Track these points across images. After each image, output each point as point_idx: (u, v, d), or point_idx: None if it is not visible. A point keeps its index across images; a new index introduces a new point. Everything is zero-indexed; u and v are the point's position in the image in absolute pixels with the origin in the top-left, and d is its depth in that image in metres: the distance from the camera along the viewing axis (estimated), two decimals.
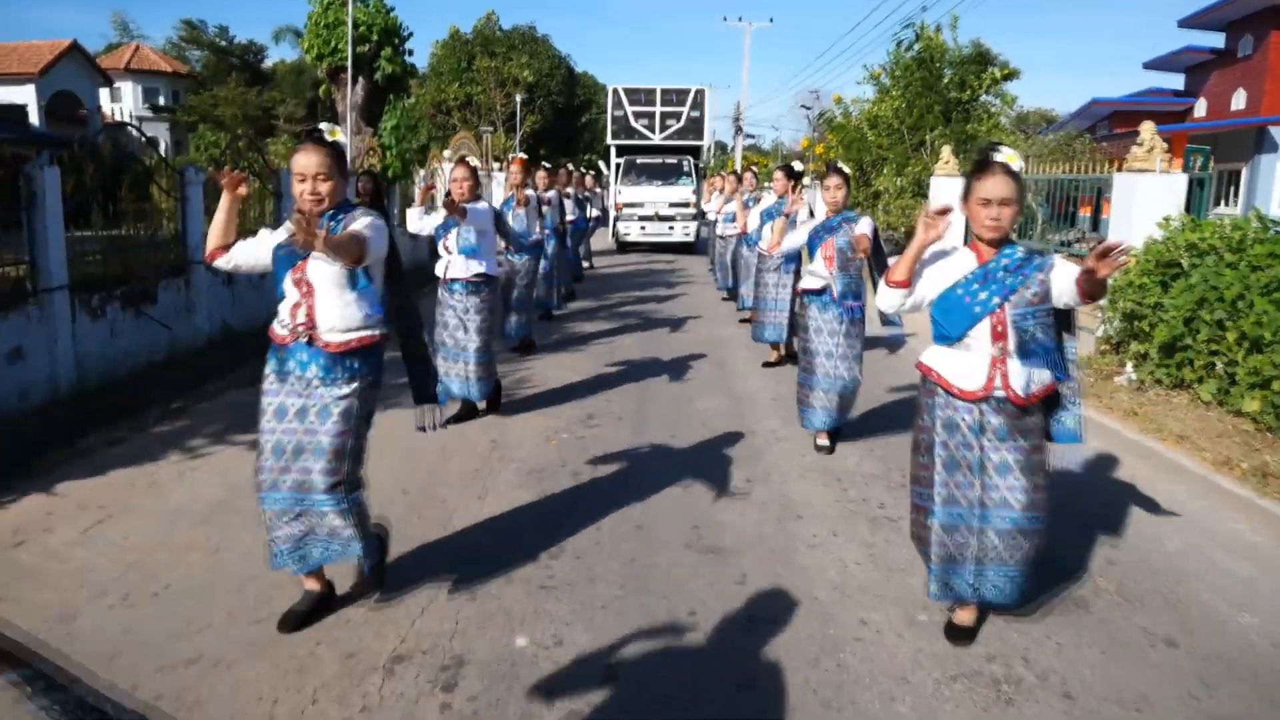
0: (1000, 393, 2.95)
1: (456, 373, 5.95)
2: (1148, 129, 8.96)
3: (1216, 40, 29.77)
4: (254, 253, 3.28)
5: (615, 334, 9.70)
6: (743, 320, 10.56)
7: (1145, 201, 8.71)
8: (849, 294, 5.43)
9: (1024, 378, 2.96)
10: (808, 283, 5.59)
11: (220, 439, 5.66)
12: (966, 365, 2.99)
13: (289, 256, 3.16)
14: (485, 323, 5.96)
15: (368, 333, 3.19)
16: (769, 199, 7.97)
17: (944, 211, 2.91)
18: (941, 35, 17.65)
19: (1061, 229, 14.59)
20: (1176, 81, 32.84)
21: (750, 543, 4.12)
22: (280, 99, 41.31)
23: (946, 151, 14.70)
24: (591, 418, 6.26)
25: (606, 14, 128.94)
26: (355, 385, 3.15)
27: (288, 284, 3.17)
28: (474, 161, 6.01)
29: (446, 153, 22.47)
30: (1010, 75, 18.02)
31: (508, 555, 3.93)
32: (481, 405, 6.29)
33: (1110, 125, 32.87)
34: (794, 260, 7.23)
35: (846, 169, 5.59)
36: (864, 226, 5.23)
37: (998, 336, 2.94)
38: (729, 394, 7.06)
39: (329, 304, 3.12)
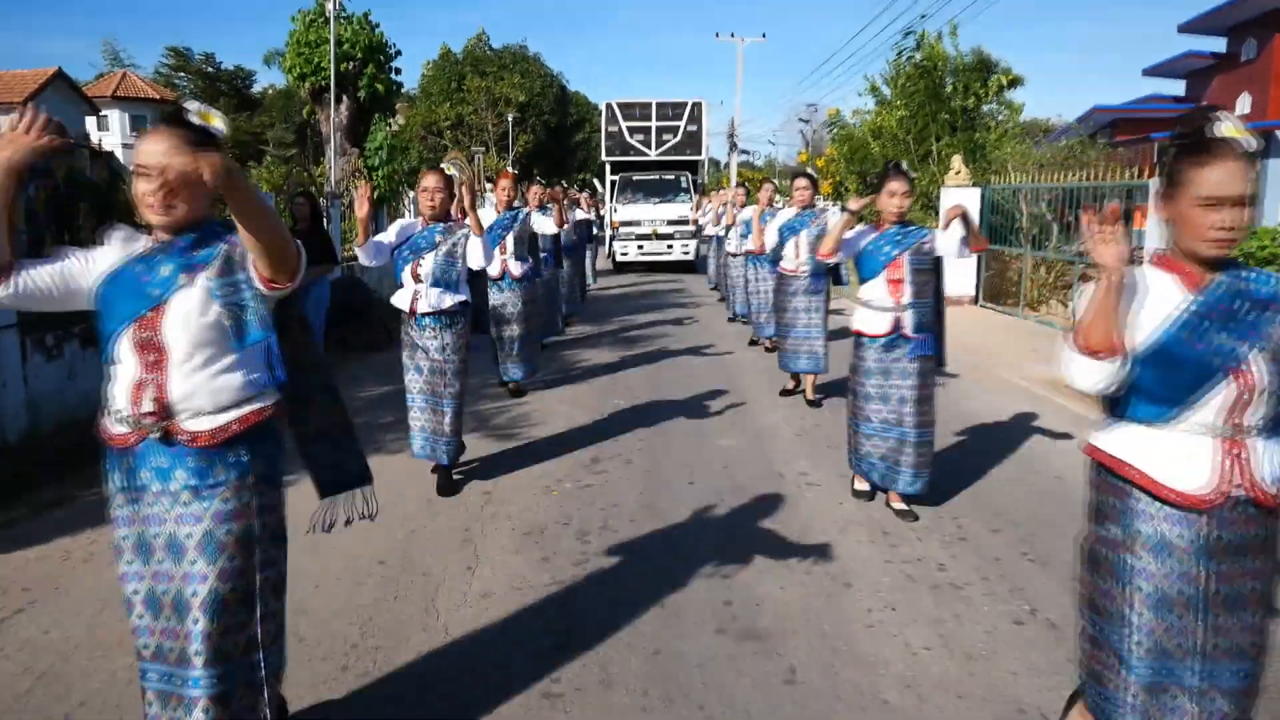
0: (1240, 491, 1.98)
1: (434, 428, 4.92)
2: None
3: (1218, 45, 29.37)
4: (56, 281, 2.15)
5: (618, 364, 8.98)
6: (753, 342, 9.95)
7: None
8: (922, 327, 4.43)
9: (1272, 463, 1.99)
10: (867, 325, 4.50)
11: None
12: (1185, 455, 2.01)
13: (130, 295, 2.11)
14: (465, 363, 4.99)
15: (252, 407, 2.18)
16: (785, 212, 7.23)
17: (1115, 218, 2.00)
18: (941, 43, 17.16)
19: (1071, 240, 13.98)
20: (1177, 88, 32.46)
21: (796, 624, 3.43)
22: (269, 123, 40.76)
23: (957, 161, 14.10)
24: (597, 461, 5.58)
25: (597, 33, 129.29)
26: (245, 491, 2.16)
27: (123, 348, 2.11)
28: (450, 170, 5.13)
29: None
30: (1015, 82, 17.51)
31: (502, 649, 3.23)
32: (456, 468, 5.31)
33: (1112, 133, 32.39)
34: (822, 278, 6.59)
35: (910, 172, 4.60)
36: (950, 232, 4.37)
37: (1240, 405, 1.98)
38: (749, 430, 6.37)
39: (191, 373, 2.11)
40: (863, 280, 4.55)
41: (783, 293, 7.08)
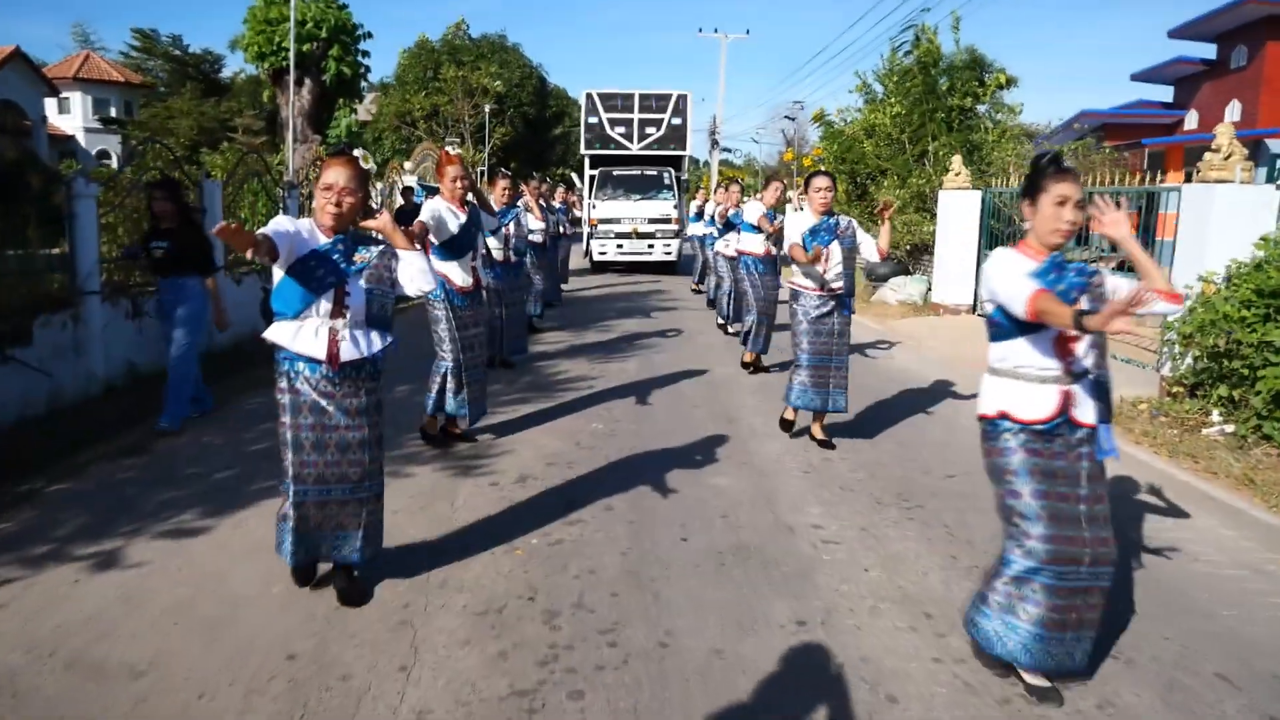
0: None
1: (341, 522, 3.49)
2: (1225, 133, 7.58)
3: (1208, 51, 28.94)
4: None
5: (596, 380, 8.05)
6: (747, 364, 8.60)
7: (1225, 217, 7.34)
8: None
9: None
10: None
11: (63, 549, 4.03)
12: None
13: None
14: (380, 428, 3.56)
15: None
16: (804, 216, 5.78)
17: None
18: (938, 39, 16.42)
19: (1080, 247, 13.30)
20: (1165, 94, 32.04)
21: None
22: (238, 109, 39.37)
23: (957, 162, 13.34)
24: (571, 508, 4.70)
25: (578, 27, 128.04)
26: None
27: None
28: (366, 163, 4.34)
29: (408, 165, 20.88)
30: (1010, 82, 16.84)
31: None
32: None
33: (1100, 138, 31.94)
34: (851, 297, 5.77)
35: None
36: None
37: None
38: (748, 465, 5.53)
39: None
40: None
41: (803, 313, 5.80)
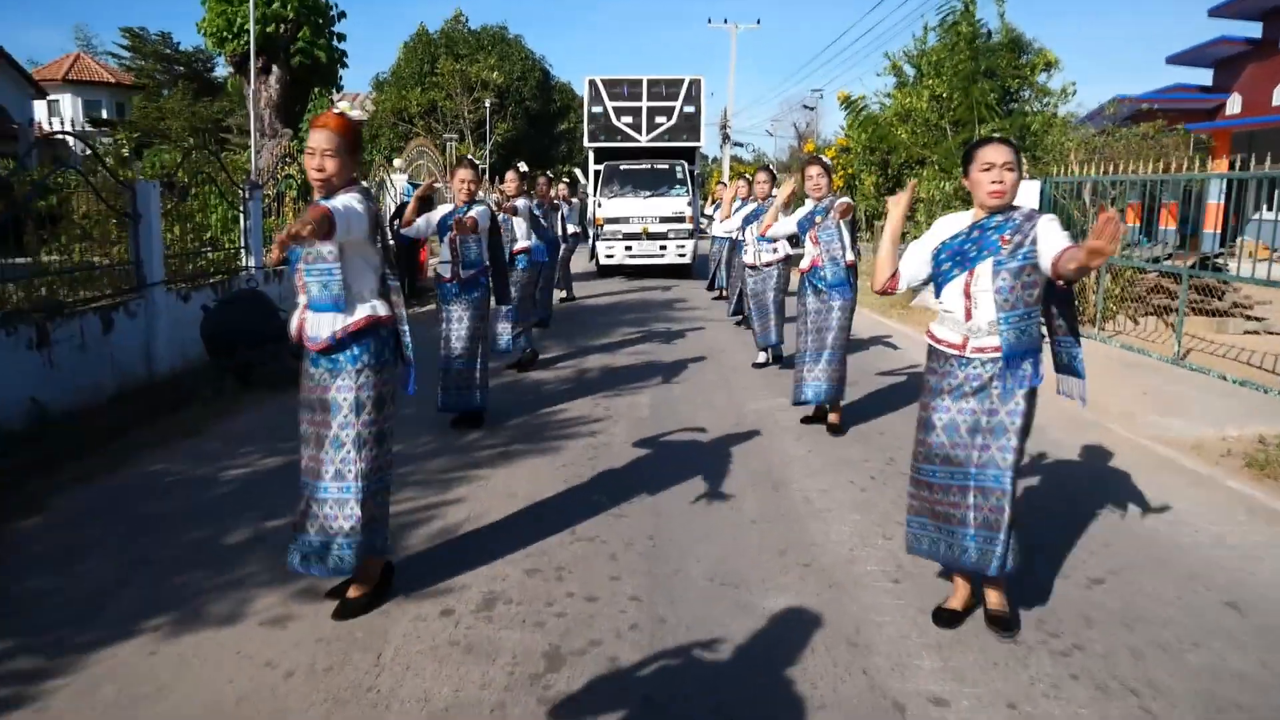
0: None
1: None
2: None
3: (1254, 30, 27.11)
4: None
5: (597, 426, 6.42)
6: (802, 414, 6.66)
7: None
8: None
9: None
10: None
11: None
12: None
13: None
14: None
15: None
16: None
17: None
18: (975, 13, 14.77)
19: (1151, 241, 11.69)
20: (1204, 77, 30.20)
21: None
22: (230, 109, 37.89)
23: None
24: (550, 607, 3.12)
25: (582, 19, 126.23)
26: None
27: None
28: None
29: (398, 163, 19.31)
30: (1052, 65, 15.19)
31: None
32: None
33: (1134, 124, 30.20)
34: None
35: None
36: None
37: None
38: (810, 564, 3.93)
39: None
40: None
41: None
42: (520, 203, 8.17)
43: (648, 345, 9.79)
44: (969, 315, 3.22)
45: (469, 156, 5.49)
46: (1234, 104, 27.94)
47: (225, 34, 12.07)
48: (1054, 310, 3.35)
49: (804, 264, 6.17)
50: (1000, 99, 14.45)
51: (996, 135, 3.27)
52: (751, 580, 3.76)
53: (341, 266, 3.19)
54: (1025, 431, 3.21)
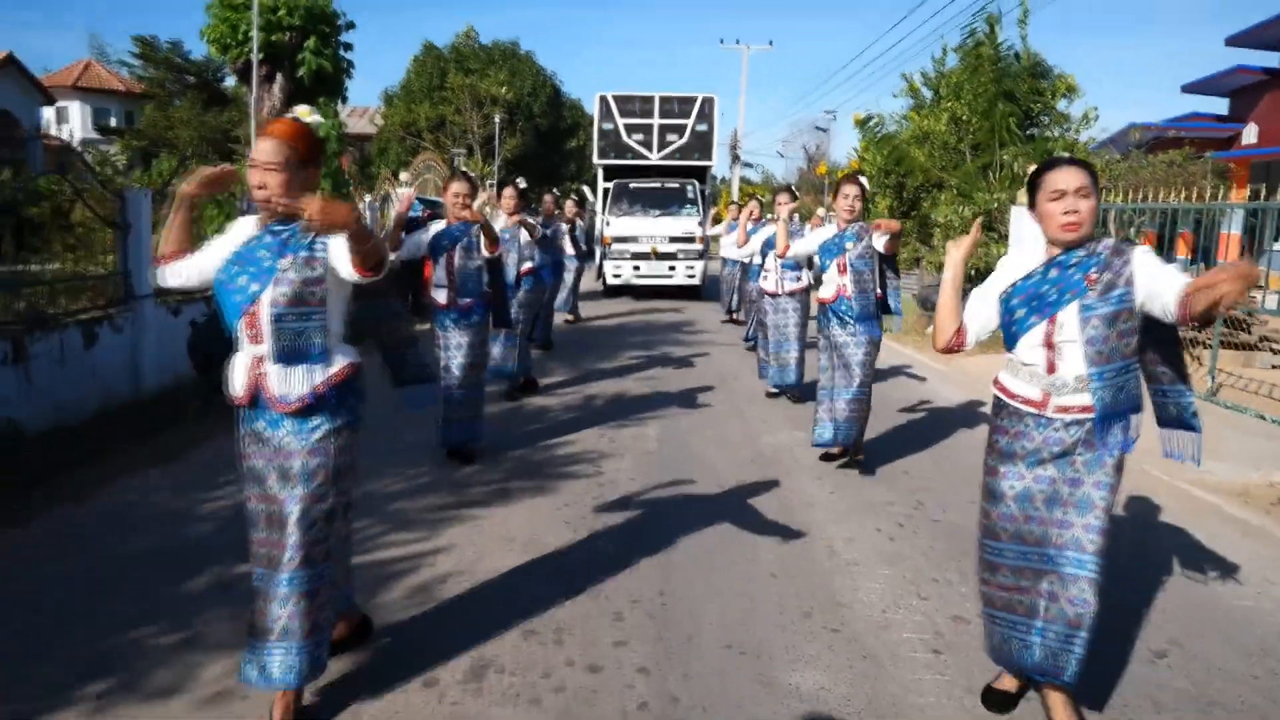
0: None
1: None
2: None
3: (1271, 60, 26.82)
4: None
5: (602, 462, 5.95)
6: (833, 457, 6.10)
7: None
8: None
9: None
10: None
11: None
12: None
13: None
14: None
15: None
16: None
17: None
18: (997, 37, 14.48)
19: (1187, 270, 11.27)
20: (1219, 106, 29.91)
21: None
22: (239, 119, 37.75)
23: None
24: (560, 642, 2.72)
25: (594, 39, 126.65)
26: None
27: None
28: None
29: (404, 176, 19.02)
30: (1072, 90, 14.84)
31: None
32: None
33: (1146, 153, 29.92)
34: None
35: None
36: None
37: None
38: (839, 632, 3.52)
39: None
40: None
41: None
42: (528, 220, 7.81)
43: (655, 370, 9.39)
44: (1052, 369, 2.72)
45: (462, 168, 5.08)
46: (1250, 134, 27.61)
47: (229, 40, 11.77)
48: (1154, 355, 2.84)
49: (826, 293, 5.68)
50: (1020, 123, 14.12)
51: (1066, 155, 2.82)
52: (774, 649, 3.35)
53: (328, 308, 2.70)
54: (1111, 506, 2.72)
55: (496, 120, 33.21)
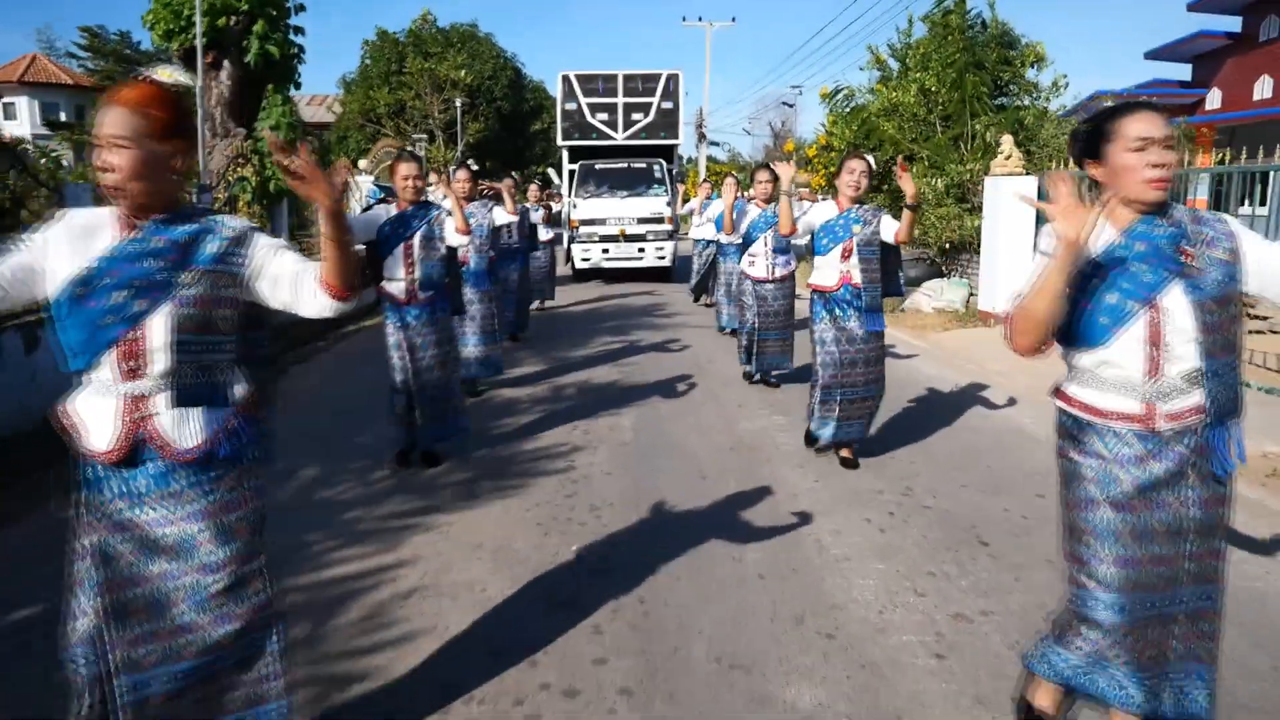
0: None
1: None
2: None
3: (1233, 24, 26.88)
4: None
5: (575, 454, 5.74)
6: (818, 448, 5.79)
7: None
8: None
9: None
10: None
11: None
12: None
13: None
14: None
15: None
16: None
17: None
18: (966, 6, 14.36)
19: None
20: (1183, 72, 30.00)
21: None
22: (192, 109, 36.84)
23: (1008, 142, 11.11)
24: (534, 663, 2.45)
25: (554, 19, 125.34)
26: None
27: None
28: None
29: (363, 163, 18.55)
30: (1041, 58, 14.74)
31: None
32: None
33: None
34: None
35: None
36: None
37: None
38: (842, 651, 3.27)
39: None
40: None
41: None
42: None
43: (629, 357, 9.09)
44: (1156, 370, 2.17)
45: (407, 148, 4.64)
46: (1214, 99, 27.73)
47: (172, 27, 11.25)
48: None
49: (825, 280, 5.10)
50: (990, 93, 13.96)
51: (1142, 100, 2.26)
52: (767, 660, 3.09)
53: (235, 335, 2.14)
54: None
55: (458, 104, 32.59)
